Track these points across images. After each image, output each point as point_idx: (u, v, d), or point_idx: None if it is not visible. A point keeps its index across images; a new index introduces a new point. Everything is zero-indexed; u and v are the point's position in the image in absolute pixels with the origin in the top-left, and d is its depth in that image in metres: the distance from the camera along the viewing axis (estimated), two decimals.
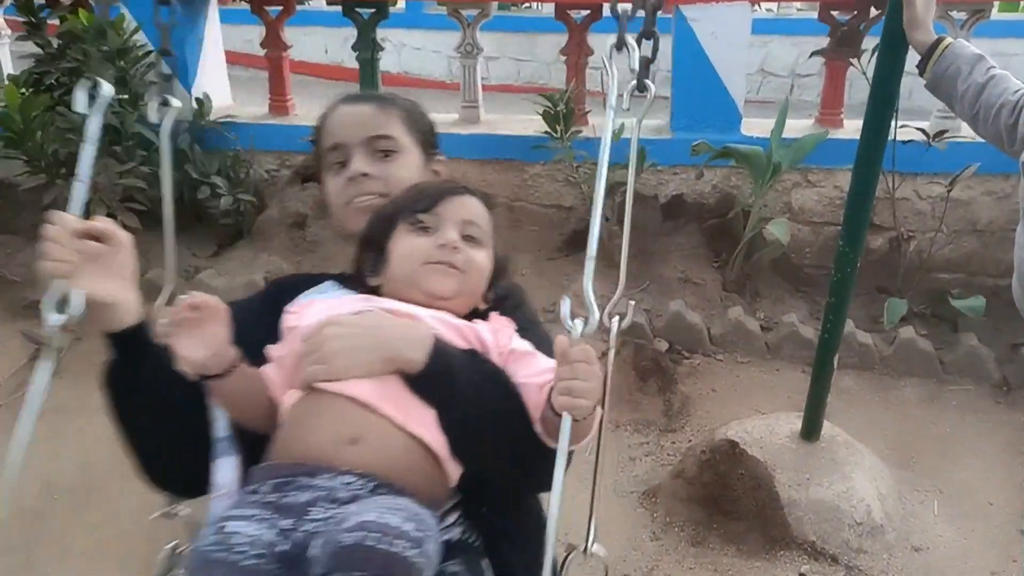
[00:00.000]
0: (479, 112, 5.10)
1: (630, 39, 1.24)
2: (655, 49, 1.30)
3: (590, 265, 1.10)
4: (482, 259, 1.33)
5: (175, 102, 1.58)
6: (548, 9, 8.08)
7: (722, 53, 4.56)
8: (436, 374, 1.16)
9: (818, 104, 4.97)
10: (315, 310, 1.28)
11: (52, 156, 4.45)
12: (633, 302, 1.34)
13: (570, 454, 1.19)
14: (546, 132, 4.60)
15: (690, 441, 3.58)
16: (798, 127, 4.73)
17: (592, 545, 1.20)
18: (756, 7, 4.93)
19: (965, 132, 4.46)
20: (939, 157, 4.23)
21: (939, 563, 2.99)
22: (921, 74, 2.23)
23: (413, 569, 0.95)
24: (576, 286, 4.16)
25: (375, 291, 1.32)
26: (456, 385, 1.17)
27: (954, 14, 4.40)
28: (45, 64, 4.64)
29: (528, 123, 4.95)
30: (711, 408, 3.85)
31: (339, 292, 1.39)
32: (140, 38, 4.75)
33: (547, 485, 1.04)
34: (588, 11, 4.93)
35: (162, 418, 1.28)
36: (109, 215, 4.37)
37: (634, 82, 1.28)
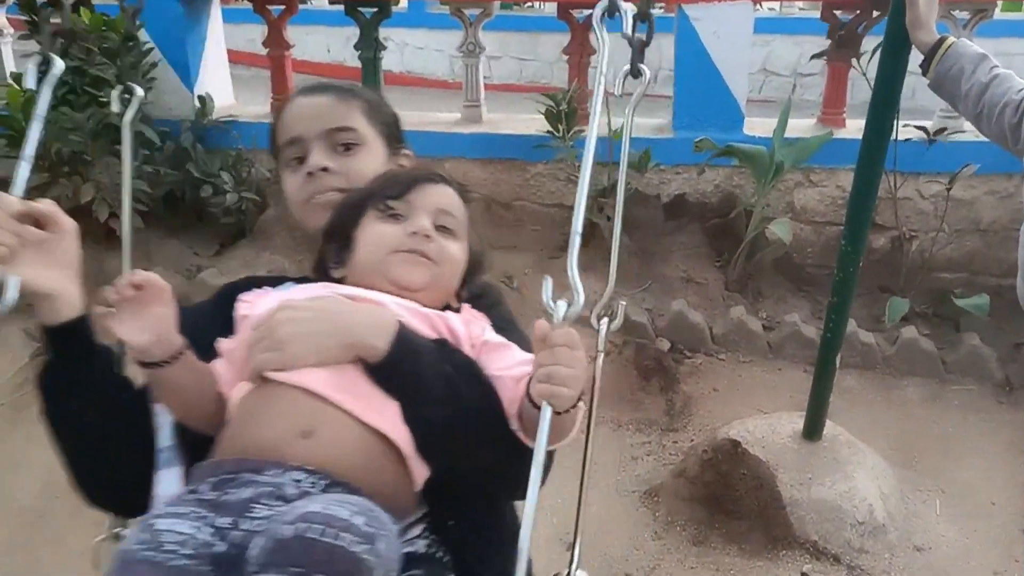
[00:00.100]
0: (481, 111, 5.10)
1: (623, 4, 1.16)
2: (650, 32, 1.22)
3: (575, 241, 1.01)
4: (456, 251, 1.23)
5: (138, 91, 1.49)
6: (550, 8, 8.09)
7: (724, 52, 4.55)
8: (400, 363, 1.06)
9: (820, 103, 4.97)
10: (270, 298, 1.19)
11: (55, 155, 4.45)
12: (624, 302, 1.25)
13: (551, 456, 1.09)
14: (548, 131, 4.60)
15: (692, 440, 3.58)
16: (800, 127, 4.72)
17: (576, 571, 1.09)
18: (758, 6, 4.92)
19: (968, 131, 4.47)
20: (941, 156, 4.23)
21: (941, 563, 2.99)
22: (924, 74, 2.23)
23: (361, 567, 0.84)
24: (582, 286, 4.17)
25: (339, 283, 1.22)
26: (422, 376, 1.07)
27: (957, 14, 4.39)
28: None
29: (530, 122, 4.95)
30: (713, 407, 3.85)
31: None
32: (140, 36, 4.76)
33: (525, 490, 0.94)
34: (590, 10, 4.92)
35: (101, 424, 1.17)
36: (112, 215, 4.39)
37: (627, 67, 1.21)
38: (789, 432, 3.21)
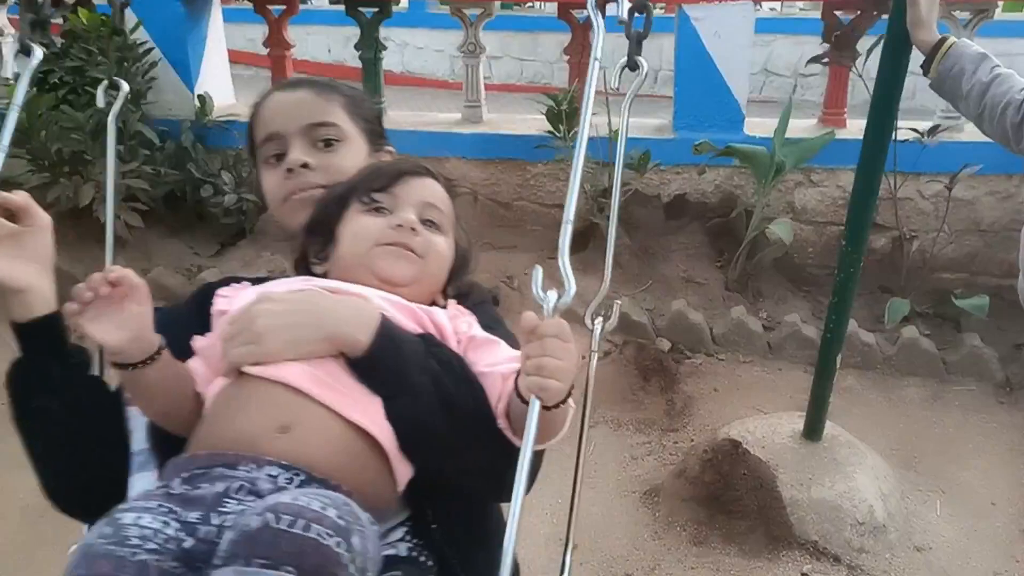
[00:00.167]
0: (482, 111, 5.10)
1: None
2: (647, 24, 1.18)
3: (567, 230, 0.96)
4: (442, 245, 1.19)
5: (124, 86, 1.46)
6: (551, 8, 8.09)
7: (725, 52, 4.56)
8: (383, 357, 1.02)
9: (821, 103, 4.97)
10: (248, 293, 1.14)
11: (56, 155, 4.45)
12: (619, 302, 1.22)
13: (540, 458, 1.08)
14: (549, 131, 4.60)
15: (692, 440, 3.58)
16: (801, 127, 4.72)
17: None
18: (759, 6, 4.92)
19: (968, 131, 4.46)
20: (942, 157, 4.23)
21: (941, 563, 2.99)
22: (925, 74, 2.23)
23: (332, 561, 0.79)
24: (579, 285, 4.17)
25: (321, 278, 1.18)
26: (406, 371, 1.02)
27: (958, 14, 4.40)
28: (49, 63, 4.64)
29: (531, 122, 4.95)
30: (713, 408, 3.85)
31: None
32: (141, 35, 4.76)
33: (511, 491, 0.87)
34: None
35: (72, 425, 1.13)
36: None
37: (624, 60, 1.18)
38: (789, 432, 3.21)
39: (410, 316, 1.10)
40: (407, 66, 11.39)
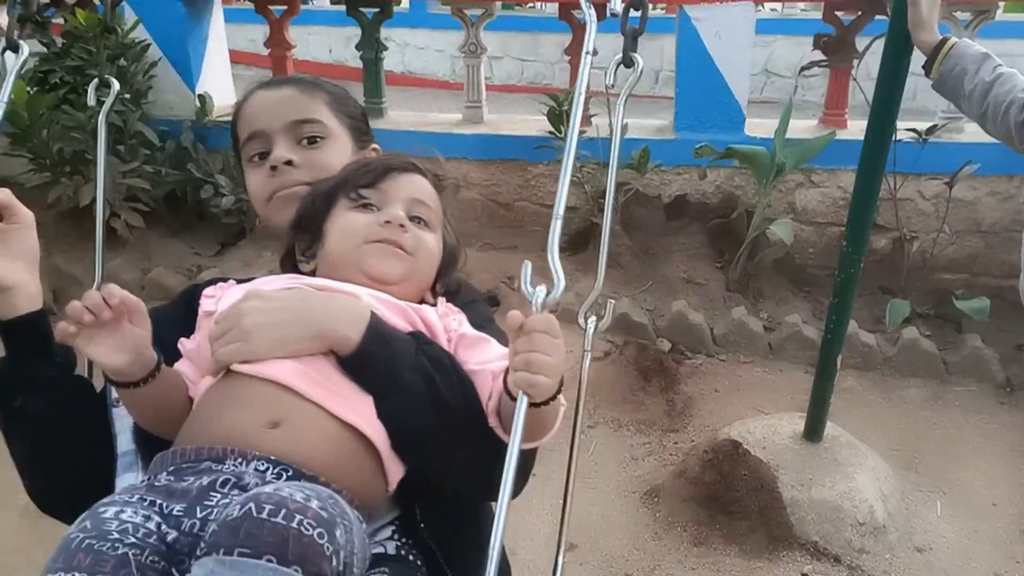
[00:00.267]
0: (483, 112, 5.10)
1: None
2: (643, 20, 1.15)
3: (556, 225, 0.95)
4: (431, 242, 1.17)
5: (115, 84, 1.43)
6: (552, 9, 8.09)
7: (726, 53, 4.56)
8: (373, 355, 1.01)
9: (821, 104, 4.97)
10: (234, 292, 1.12)
11: (57, 154, 4.45)
12: (612, 301, 1.19)
13: (531, 456, 1.07)
14: (550, 132, 4.61)
15: (693, 441, 3.58)
16: (802, 127, 4.72)
17: None
18: (760, 7, 4.92)
19: (968, 132, 4.47)
20: (943, 157, 4.24)
21: (942, 563, 2.99)
22: (927, 74, 2.23)
23: (314, 552, 0.77)
24: (580, 286, 4.18)
25: (309, 276, 1.17)
26: (397, 368, 1.01)
27: (959, 15, 4.40)
28: (50, 63, 4.65)
29: (532, 123, 4.96)
30: (714, 408, 3.85)
31: None
32: (140, 33, 4.77)
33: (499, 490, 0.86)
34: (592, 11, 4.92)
35: (55, 425, 1.12)
36: (113, 215, 4.40)
37: (619, 56, 1.15)
38: (790, 433, 3.21)
39: (400, 314, 1.09)
40: (408, 66, 11.40)
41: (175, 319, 1.18)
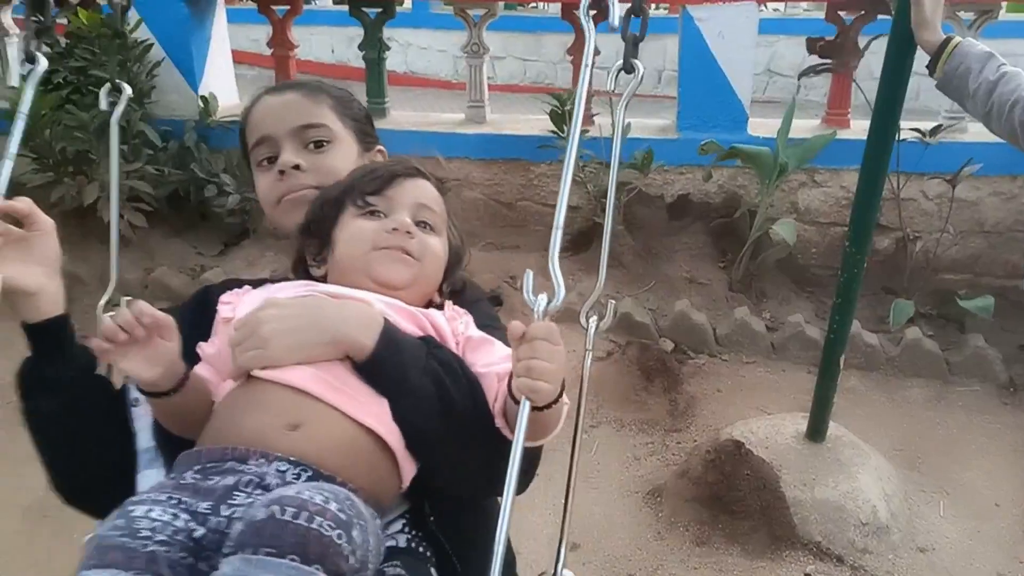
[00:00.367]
0: (485, 112, 5.10)
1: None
2: (644, 27, 1.17)
3: (556, 235, 0.99)
4: (437, 247, 1.21)
5: (126, 88, 1.46)
6: (554, 9, 8.09)
7: (729, 53, 4.56)
8: (387, 360, 1.05)
9: (824, 104, 4.96)
10: (251, 298, 1.17)
11: (60, 154, 4.46)
12: (613, 301, 1.21)
13: (536, 454, 1.11)
14: (552, 132, 4.61)
15: (695, 441, 3.58)
16: (805, 127, 4.72)
17: (562, 571, 1.05)
18: (763, 7, 4.92)
19: (971, 132, 4.46)
20: (946, 157, 4.23)
21: (945, 564, 2.98)
22: (931, 74, 2.22)
23: (333, 551, 0.83)
24: (582, 285, 4.18)
25: (320, 281, 1.21)
26: (409, 373, 1.05)
27: (962, 15, 4.39)
28: (53, 63, 4.65)
29: (534, 123, 4.96)
30: (716, 408, 3.85)
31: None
32: (142, 33, 4.77)
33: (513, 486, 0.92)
34: (595, 11, 4.92)
35: (78, 423, 1.17)
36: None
37: (620, 62, 1.16)
38: (792, 433, 3.21)
39: (410, 319, 1.13)
40: (410, 66, 11.40)
41: (190, 319, 1.22)
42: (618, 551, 3.03)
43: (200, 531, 0.89)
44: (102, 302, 1.33)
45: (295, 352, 1.05)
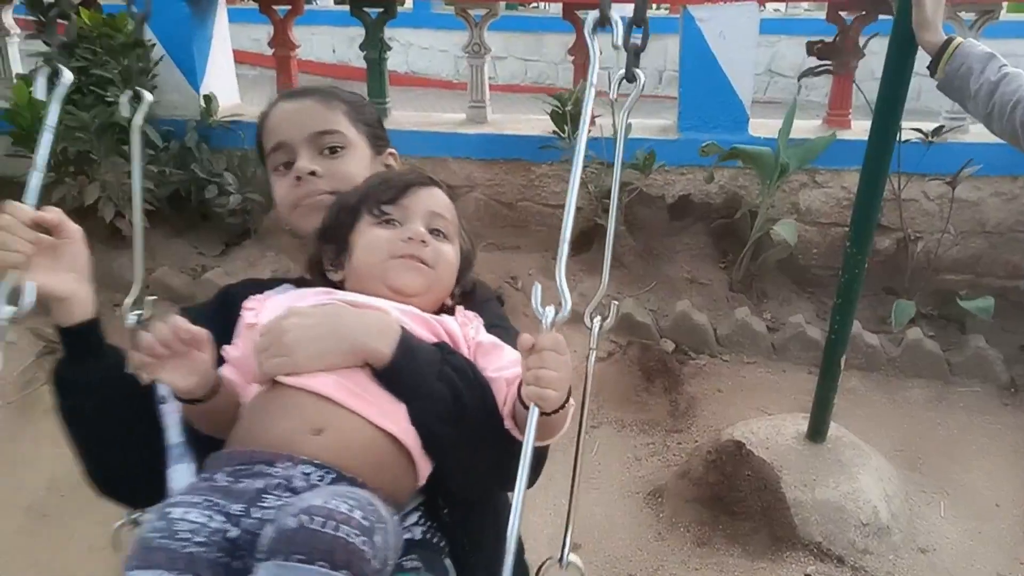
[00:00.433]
0: (486, 112, 5.10)
1: (614, 15, 1.16)
2: (645, 37, 1.21)
3: (564, 249, 1.04)
4: (449, 253, 1.27)
5: (147, 96, 1.50)
6: (555, 9, 8.08)
7: (730, 53, 4.55)
8: (404, 367, 1.11)
9: (825, 104, 4.96)
10: (273, 304, 1.23)
11: (61, 154, 4.46)
12: (616, 302, 1.27)
13: (544, 452, 1.18)
14: (553, 132, 4.60)
15: (696, 441, 3.58)
16: (806, 128, 4.72)
17: (568, 555, 1.12)
18: (764, 7, 4.91)
19: (972, 132, 4.46)
20: (947, 158, 4.23)
21: (945, 564, 2.99)
22: (932, 75, 2.22)
23: (358, 557, 0.90)
24: (584, 286, 4.18)
25: (337, 287, 1.27)
26: (426, 379, 1.11)
27: (963, 15, 4.39)
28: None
29: (535, 123, 4.96)
30: (717, 409, 3.85)
31: (299, 292, 1.32)
32: (146, 34, 4.77)
33: (515, 481, 0.99)
34: (595, 11, 4.92)
35: (111, 419, 1.24)
36: (118, 214, 4.40)
37: (623, 71, 1.20)
38: (793, 433, 3.21)
39: (425, 326, 1.19)
40: (412, 66, 11.40)
41: (211, 319, 1.26)
42: (619, 551, 3.03)
43: (234, 532, 0.95)
44: (128, 301, 1.41)
45: (318, 360, 1.10)
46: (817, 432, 3.17)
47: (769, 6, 9.47)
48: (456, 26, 5.54)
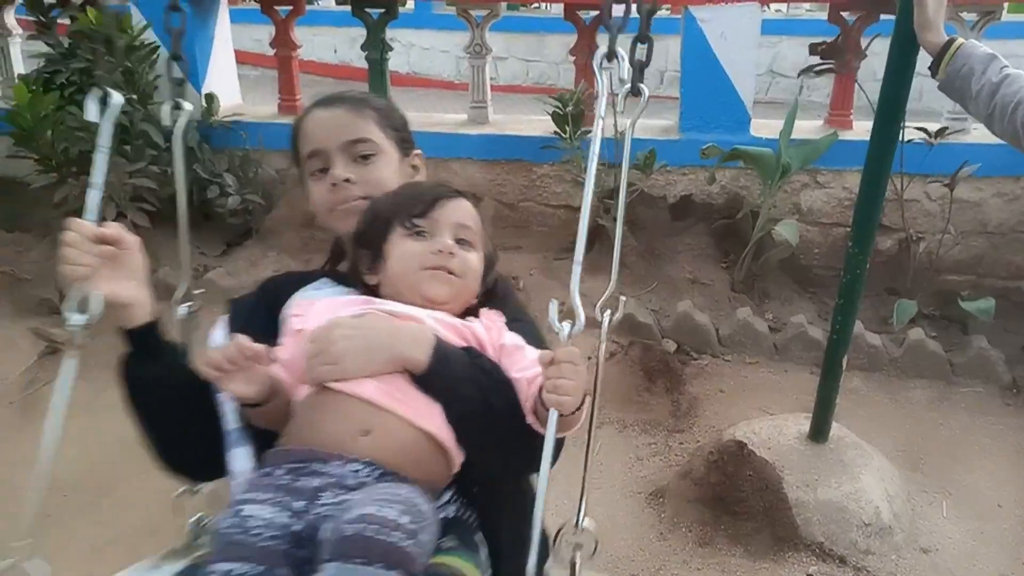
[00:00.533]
0: (488, 112, 5.10)
1: (620, 50, 1.26)
2: (649, 53, 1.32)
3: (577, 269, 1.18)
4: (475, 261, 1.40)
5: (187, 106, 1.62)
6: (557, 9, 8.08)
7: (731, 54, 4.55)
8: (439, 373, 1.24)
9: (827, 105, 4.96)
10: (318, 310, 1.35)
11: (62, 155, 4.47)
12: (624, 298, 1.37)
13: (561, 441, 1.30)
14: (555, 132, 4.60)
15: (698, 442, 3.58)
16: (807, 128, 4.72)
17: (583, 520, 1.24)
18: (765, 7, 4.91)
19: (974, 132, 4.46)
20: (949, 158, 4.22)
21: (947, 564, 2.98)
22: (934, 75, 2.22)
23: (408, 558, 1.03)
24: (584, 286, 4.18)
25: (373, 290, 1.40)
26: (459, 382, 1.24)
27: (964, 16, 4.39)
28: (55, 63, 4.66)
29: (536, 123, 4.96)
30: (719, 409, 3.84)
31: (336, 289, 1.48)
32: (148, 36, 4.77)
33: (537, 466, 1.14)
34: (597, 11, 4.93)
35: (174, 408, 1.40)
36: (120, 214, 4.40)
37: (627, 87, 1.30)
38: (795, 433, 3.20)
39: (455, 332, 1.32)
40: (413, 67, 11.41)
41: (255, 310, 1.48)
42: (620, 552, 3.03)
43: (298, 526, 1.09)
44: (178, 295, 1.58)
45: (363, 368, 1.23)
46: (819, 432, 3.17)
47: (771, 6, 9.48)
48: (457, 27, 5.54)
